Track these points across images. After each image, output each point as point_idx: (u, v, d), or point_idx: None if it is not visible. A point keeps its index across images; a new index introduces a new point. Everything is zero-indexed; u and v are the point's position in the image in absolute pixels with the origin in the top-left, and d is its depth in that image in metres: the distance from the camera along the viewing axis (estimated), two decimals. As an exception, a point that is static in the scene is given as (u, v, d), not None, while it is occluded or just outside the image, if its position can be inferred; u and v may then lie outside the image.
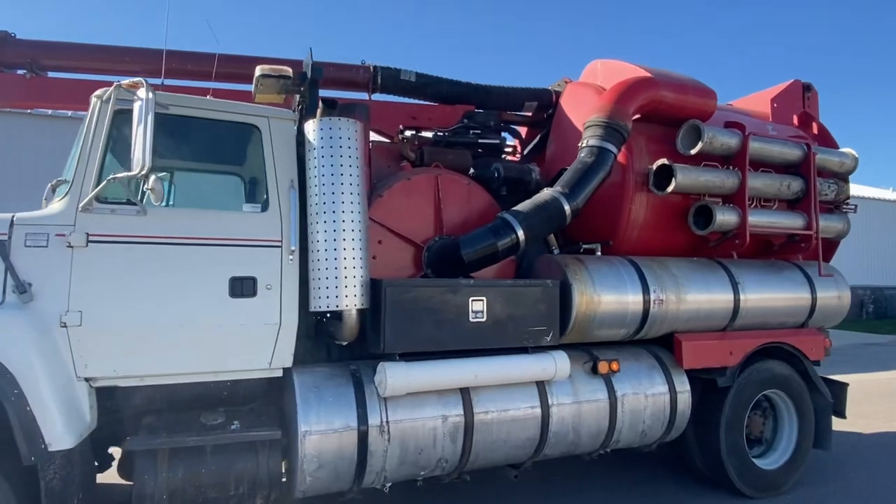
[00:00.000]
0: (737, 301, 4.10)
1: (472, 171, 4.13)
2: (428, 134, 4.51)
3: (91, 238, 2.68)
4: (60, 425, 2.45)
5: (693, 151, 4.06)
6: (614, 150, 3.78)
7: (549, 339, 3.41)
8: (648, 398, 3.77)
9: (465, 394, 3.22)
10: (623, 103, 3.88)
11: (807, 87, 5.36)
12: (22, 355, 2.43)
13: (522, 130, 5.36)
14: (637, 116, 4.16)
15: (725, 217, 4.09)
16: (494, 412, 3.27)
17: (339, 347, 3.37)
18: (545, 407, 3.40)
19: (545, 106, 4.96)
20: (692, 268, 4.11)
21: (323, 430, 2.87)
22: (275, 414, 3.09)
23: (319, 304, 2.92)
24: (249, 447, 2.84)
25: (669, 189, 3.92)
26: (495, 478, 4.13)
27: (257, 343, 2.97)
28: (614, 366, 3.69)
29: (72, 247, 2.65)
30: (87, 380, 2.67)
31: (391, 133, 4.57)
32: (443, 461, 3.18)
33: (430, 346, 3.09)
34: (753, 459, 4.19)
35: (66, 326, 2.58)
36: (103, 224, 2.73)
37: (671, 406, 3.83)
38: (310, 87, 3.35)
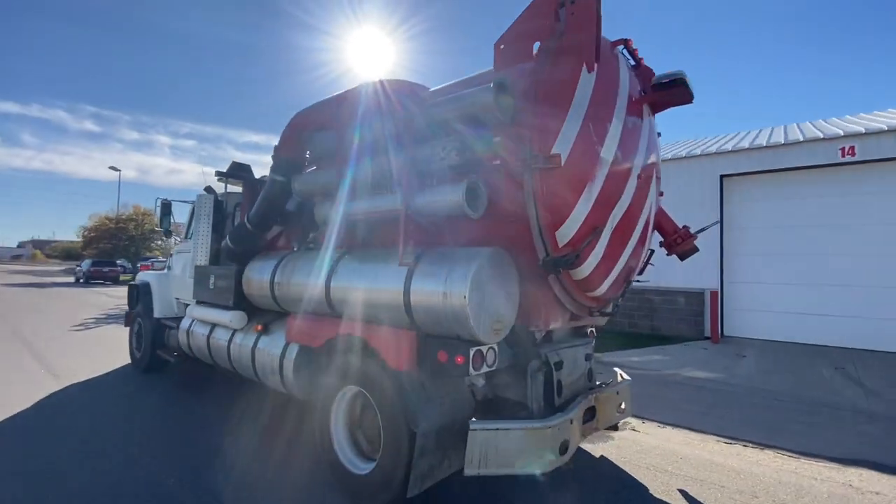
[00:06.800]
0: (327, 288, 4.31)
1: None
2: None
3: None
4: None
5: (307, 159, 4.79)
6: (278, 176, 5.25)
7: (230, 303, 5.59)
8: (271, 356, 4.95)
9: (213, 327, 6.04)
10: (284, 137, 5.22)
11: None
12: None
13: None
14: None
15: (322, 211, 4.53)
16: (217, 339, 5.87)
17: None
18: (229, 343, 5.59)
19: None
20: (318, 259, 4.63)
21: (186, 327, 6.67)
22: None
23: None
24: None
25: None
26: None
27: None
28: (258, 327, 5.21)
29: None
30: None
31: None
32: (213, 357, 6.09)
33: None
34: (348, 460, 4.00)
35: None
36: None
37: (280, 365, 4.79)
38: None
